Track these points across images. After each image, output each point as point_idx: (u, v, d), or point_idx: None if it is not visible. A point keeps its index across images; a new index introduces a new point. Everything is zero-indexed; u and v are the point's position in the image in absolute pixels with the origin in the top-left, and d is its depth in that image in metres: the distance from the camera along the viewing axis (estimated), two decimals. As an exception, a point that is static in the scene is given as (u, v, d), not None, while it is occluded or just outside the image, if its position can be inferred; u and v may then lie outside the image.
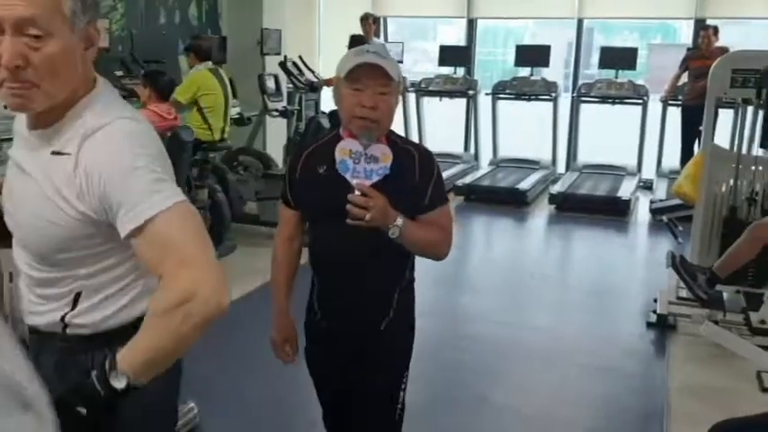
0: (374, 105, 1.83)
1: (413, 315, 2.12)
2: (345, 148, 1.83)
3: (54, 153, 1.32)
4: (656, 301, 4.55)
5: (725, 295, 4.15)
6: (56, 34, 1.25)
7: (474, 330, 4.39)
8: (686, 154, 7.96)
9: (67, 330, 1.40)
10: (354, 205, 1.77)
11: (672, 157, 8.62)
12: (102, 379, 1.18)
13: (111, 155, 1.29)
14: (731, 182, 4.60)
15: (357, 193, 1.78)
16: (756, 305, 4.15)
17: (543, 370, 3.84)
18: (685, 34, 8.60)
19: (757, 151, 4.56)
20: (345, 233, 1.82)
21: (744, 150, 4.55)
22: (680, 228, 5.10)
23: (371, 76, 1.83)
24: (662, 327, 4.29)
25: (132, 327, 1.30)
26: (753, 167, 4.55)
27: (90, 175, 1.27)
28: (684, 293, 4.58)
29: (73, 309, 1.38)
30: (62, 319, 1.39)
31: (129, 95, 5.81)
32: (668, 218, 5.29)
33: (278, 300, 2.10)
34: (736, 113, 4.63)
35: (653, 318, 4.38)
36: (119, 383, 1.18)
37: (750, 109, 4.52)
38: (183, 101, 5.54)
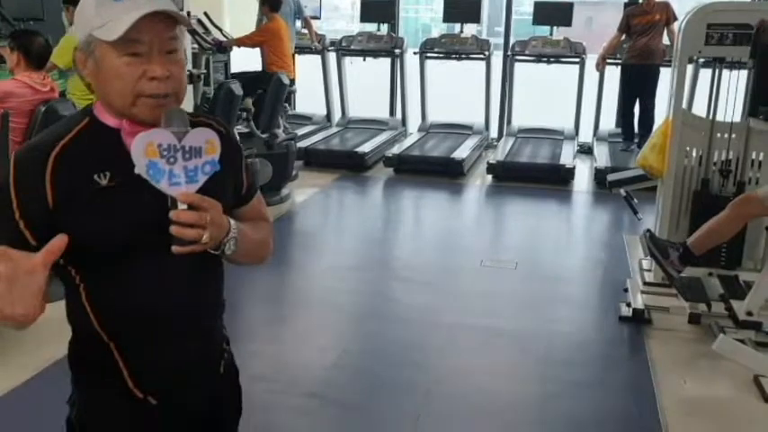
0: (167, 74, 1.23)
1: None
2: (152, 144, 1.19)
3: None
4: (626, 290, 4.03)
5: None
6: None
7: (406, 334, 3.74)
8: (625, 116, 7.59)
9: None
10: (182, 225, 1.19)
11: (608, 120, 8.27)
12: None
13: None
14: (702, 152, 4.13)
15: (182, 206, 1.20)
16: (734, 291, 3.72)
17: (503, 390, 3.23)
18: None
19: (732, 117, 4.07)
20: (166, 271, 1.29)
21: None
22: (636, 200, 4.60)
23: (154, 31, 1.23)
24: (638, 321, 3.77)
25: None
26: (726, 136, 4.08)
27: None
28: (651, 277, 4.13)
29: None
30: None
31: (-6, 62, 4.88)
32: (626, 191, 4.79)
33: None
34: (712, 75, 4.11)
35: (625, 311, 3.85)
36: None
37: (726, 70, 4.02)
38: (62, 65, 4.68)
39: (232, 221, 1.30)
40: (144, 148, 1.19)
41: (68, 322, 1.36)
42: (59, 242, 1.10)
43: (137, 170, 1.19)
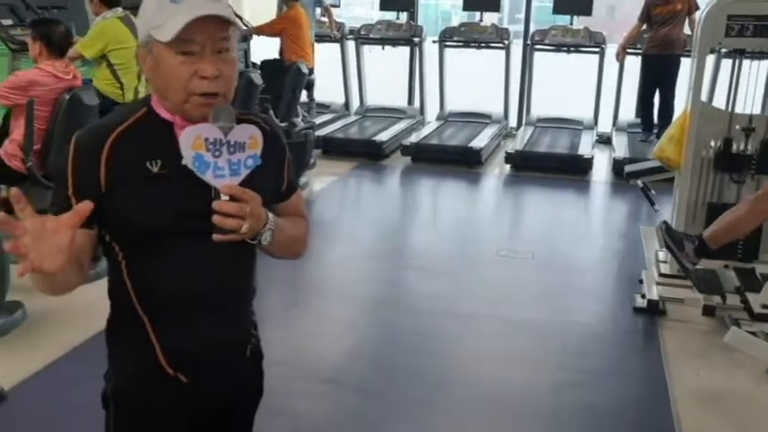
0: (217, 73, 1.31)
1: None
2: (199, 138, 1.27)
3: None
4: (641, 281, 4.05)
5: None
6: None
7: (422, 323, 3.78)
8: (644, 107, 7.54)
9: None
10: (224, 215, 1.26)
11: (628, 110, 8.22)
12: None
13: None
14: (721, 144, 4.11)
15: (225, 198, 1.27)
16: (750, 283, 3.72)
17: (518, 379, 3.26)
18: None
19: (752, 109, 4.06)
20: (203, 256, 1.36)
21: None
22: (653, 192, 4.60)
23: (207, 32, 1.30)
24: (652, 313, 3.78)
25: None
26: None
27: None
28: (667, 268, 4.14)
29: None
30: None
31: (20, 50, 4.95)
32: (643, 182, 4.78)
33: None
34: (732, 66, 4.09)
35: (640, 302, 3.87)
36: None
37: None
38: (89, 56, 4.74)
39: (270, 214, 1.36)
40: (192, 141, 1.26)
41: (109, 298, 1.44)
42: (85, 206, 1.16)
43: (184, 161, 1.27)
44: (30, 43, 4.08)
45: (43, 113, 3.93)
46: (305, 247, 1.58)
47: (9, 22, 5.16)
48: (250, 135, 1.32)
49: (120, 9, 4.96)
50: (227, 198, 1.27)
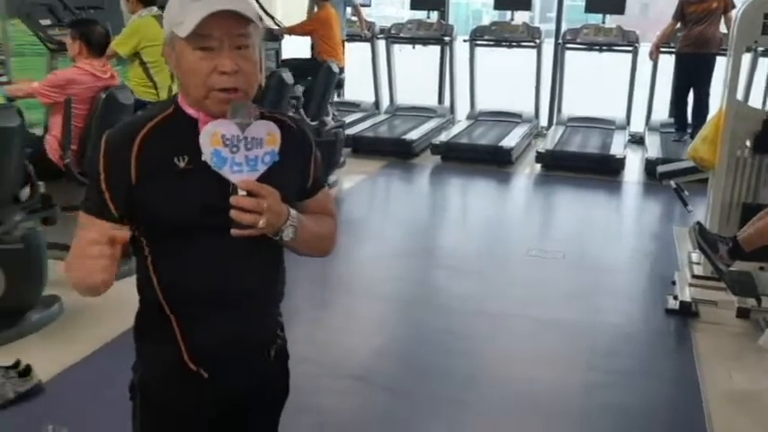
0: (236, 68, 1.32)
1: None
2: (217, 134, 1.29)
3: None
4: (674, 283, 4.00)
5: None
6: None
7: (451, 322, 3.77)
8: (678, 106, 7.45)
9: None
10: (241, 210, 1.27)
11: (661, 110, 8.13)
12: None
13: None
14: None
15: (242, 193, 1.29)
16: (787, 286, 3.66)
17: (548, 378, 3.25)
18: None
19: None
20: (225, 251, 1.37)
21: None
22: (686, 192, 4.55)
23: (225, 27, 1.32)
24: (684, 314, 3.74)
25: None
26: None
27: None
28: (700, 270, 4.09)
29: None
30: None
31: (58, 49, 5.05)
32: (676, 183, 4.73)
33: None
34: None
35: (672, 304, 3.83)
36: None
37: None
38: (123, 53, 4.82)
39: (292, 211, 1.37)
40: (209, 137, 1.29)
41: (137, 293, 1.47)
42: (125, 235, 1.30)
43: (203, 157, 1.29)
44: (69, 43, 4.16)
45: (80, 112, 4.01)
46: (332, 245, 1.57)
47: (47, 22, 5.26)
48: (267, 131, 1.33)
49: (155, 8, 5.02)
50: (244, 193, 1.29)
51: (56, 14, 5.36)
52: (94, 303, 3.41)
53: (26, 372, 2.87)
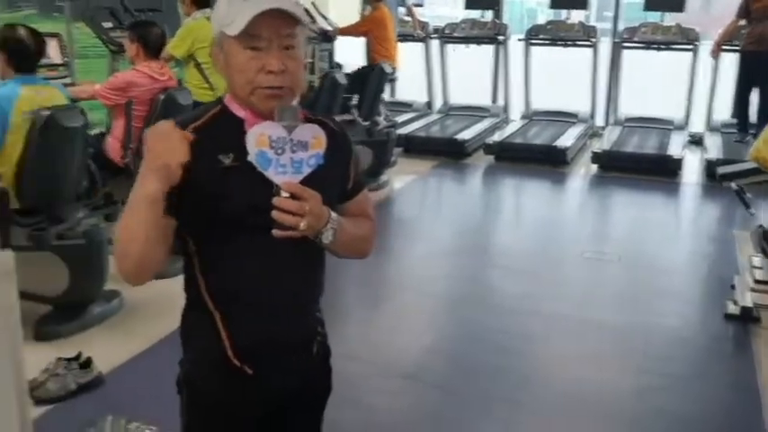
0: (283, 68, 1.35)
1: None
2: (263, 135, 1.32)
3: None
4: (733, 287, 3.90)
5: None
6: None
7: (503, 321, 3.75)
8: (741, 106, 7.22)
9: None
10: (283, 211, 1.29)
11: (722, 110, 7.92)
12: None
13: None
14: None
15: (285, 194, 1.30)
16: None
17: (601, 380, 3.20)
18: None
19: None
20: (269, 252, 1.38)
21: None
22: (748, 194, 4.42)
23: (273, 27, 1.34)
24: (745, 320, 3.64)
25: None
26: None
27: None
28: (762, 275, 3.96)
29: None
30: None
31: (119, 51, 5.19)
32: (737, 185, 4.59)
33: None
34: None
35: (732, 308, 3.72)
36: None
37: None
38: (179, 55, 4.91)
39: (333, 214, 1.38)
40: (256, 138, 1.31)
41: (184, 291, 1.50)
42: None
43: (249, 157, 1.31)
44: (127, 45, 4.27)
45: (140, 113, 4.11)
46: (370, 247, 1.58)
47: (109, 24, 5.41)
48: (313, 135, 1.34)
49: (208, 10, 5.09)
50: (287, 195, 1.30)
51: (117, 17, 5.52)
52: (153, 299, 3.55)
53: (87, 364, 2.97)
